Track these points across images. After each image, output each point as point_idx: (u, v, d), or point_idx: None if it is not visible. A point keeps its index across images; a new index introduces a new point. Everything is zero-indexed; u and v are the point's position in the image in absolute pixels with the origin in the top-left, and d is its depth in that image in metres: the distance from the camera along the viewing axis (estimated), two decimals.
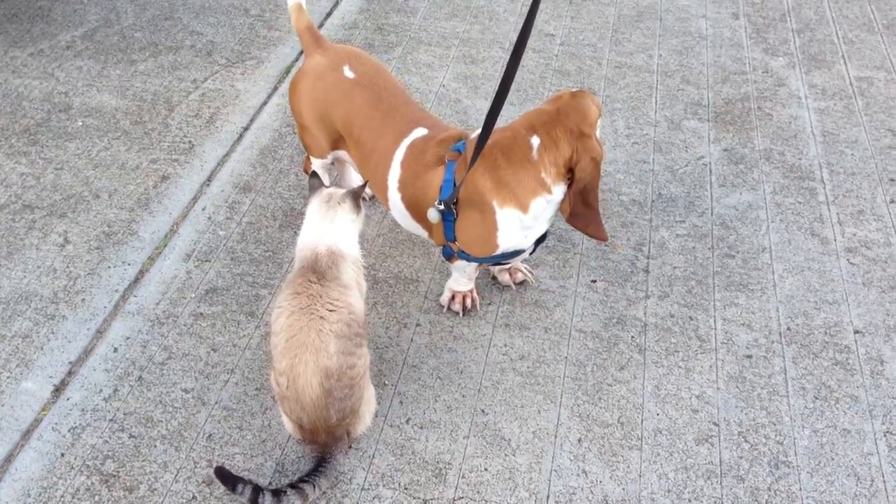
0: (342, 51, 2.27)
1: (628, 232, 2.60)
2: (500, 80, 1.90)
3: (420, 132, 2.11)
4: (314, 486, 1.75)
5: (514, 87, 3.24)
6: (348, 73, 2.21)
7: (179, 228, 2.55)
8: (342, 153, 2.34)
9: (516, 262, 2.32)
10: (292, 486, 1.75)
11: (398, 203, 2.14)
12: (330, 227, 1.88)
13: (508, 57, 1.88)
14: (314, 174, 2.00)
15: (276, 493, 1.73)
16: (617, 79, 3.34)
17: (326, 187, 1.98)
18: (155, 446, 1.94)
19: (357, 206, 1.94)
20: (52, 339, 2.19)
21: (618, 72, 3.39)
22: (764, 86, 3.33)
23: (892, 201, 2.74)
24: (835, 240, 2.59)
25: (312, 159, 2.43)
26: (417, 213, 2.11)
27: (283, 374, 1.73)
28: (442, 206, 1.99)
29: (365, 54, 2.29)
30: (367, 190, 2.65)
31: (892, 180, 2.84)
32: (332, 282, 1.80)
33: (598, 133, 2.02)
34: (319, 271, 1.81)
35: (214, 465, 1.83)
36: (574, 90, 2.00)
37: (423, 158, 2.06)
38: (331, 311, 1.74)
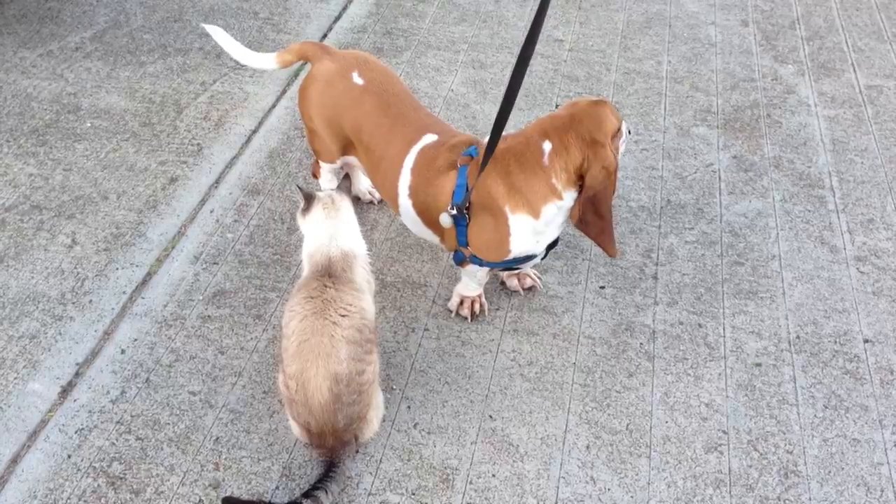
0: (351, 57, 2.27)
1: (637, 238, 2.59)
2: (506, 87, 1.89)
3: (429, 138, 2.11)
4: (327, 492, 1.74)
5: (523, 92, 3.24)
6: (357, 79, 2.21)
7: (187, 231, 2.55)
8: (352, 158, 2.34)
9: (526, 268, 2.32)
10: (306, 495, 1.74)
11: (409, 209, 2.13)
12: (339, 229, 1.89)
13: (515, 62, 1.87)
14: (301, 190, 1.98)
15: None
16: (626, 85, 3.34)
17: (319, 193, 1.97)
18: (162, 449, 1.93)
19: (352, 200, 1.98)
20: (60, 341, 2.19)
21: (627, 78, 3.38)
22: (773, 93, 3.32)
23: None
24: (844, 248, 2.58)
25: (322, 164, 2.43)
26: (429, 218, 2.10)
27: (293, 377, 1.72)
28: (455, 211, 1.99)
29: (374, 60, 2.29)
30: (376, 193, 2.65)
31: None
32: (347, 285, 1.80)
33: (622, 147, 2.01)
34: (335, 275, 1.81)
35: (223, 496, 1.83)
36: (594, 99, 1.99)
37: (433, 164, 2.06)
38: (343, 316, 1.73)
